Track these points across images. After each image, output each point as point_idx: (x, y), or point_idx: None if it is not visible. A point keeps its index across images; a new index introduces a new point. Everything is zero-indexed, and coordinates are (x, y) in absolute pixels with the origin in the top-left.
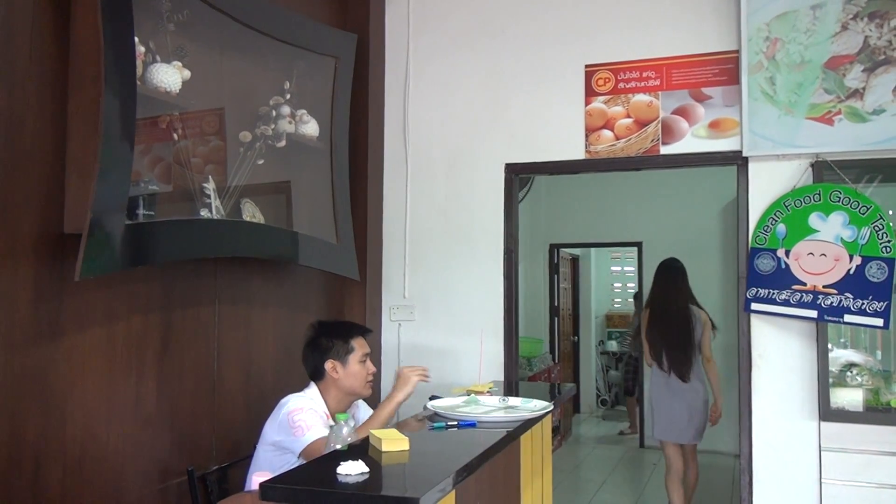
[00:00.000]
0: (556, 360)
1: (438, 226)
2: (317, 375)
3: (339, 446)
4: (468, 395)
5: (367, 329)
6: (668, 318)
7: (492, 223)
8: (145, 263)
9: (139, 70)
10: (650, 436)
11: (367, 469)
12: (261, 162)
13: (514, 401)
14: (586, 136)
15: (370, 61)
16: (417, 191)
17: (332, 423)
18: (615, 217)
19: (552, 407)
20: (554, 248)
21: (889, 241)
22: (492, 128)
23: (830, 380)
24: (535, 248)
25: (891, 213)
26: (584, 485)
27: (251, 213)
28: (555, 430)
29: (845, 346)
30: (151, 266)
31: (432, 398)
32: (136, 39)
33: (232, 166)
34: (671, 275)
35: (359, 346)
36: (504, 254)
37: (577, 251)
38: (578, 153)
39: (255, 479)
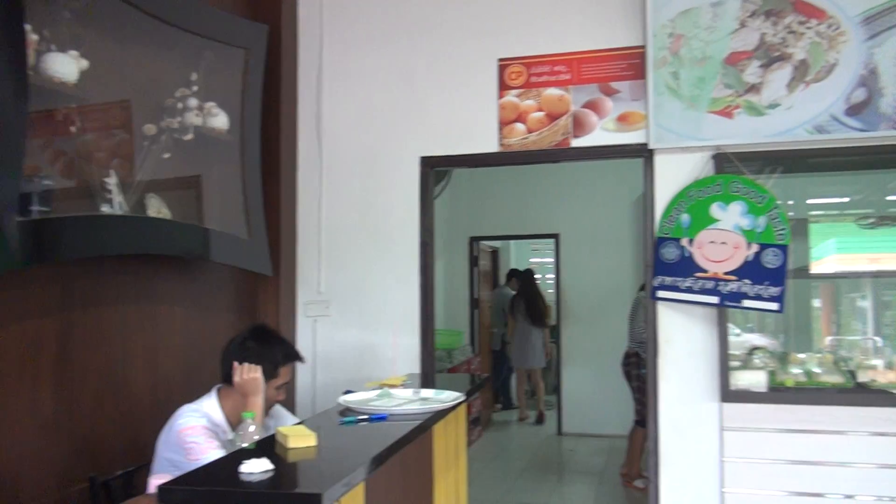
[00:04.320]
0: (476, 352)
1: (354, 220)
2: (228, 380)
3: (245, 445)
4: (381, 388)
5: (300, 357)
6: (531, 299)
7: (408, 217)
8: (40, 262)
9: (32, 59)
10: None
11: (271, 467)
12: (167, 156)
13: (426, 393)
14: (500, 129)
15: (282, 53)
16: (332, 184)
17: (229, 436)
18: (533, 209)
19: (464, 398)
20: (474, 241)
21: (783, 230)
22: (407, 121)
23: (737, 362)
24: (454, 240)
25: (791, 202)
26: (503, 473)
27: (157, 208)
28: (475, 421)
29: (752, 331)
30: (49, 265)
31: (346, 392)
32: (29, 27)
33: (137, 161)
34: (530, 277)
35: (284, 374)
36: (420, 247)
37: (497, 243)
38: (492, 146)
39: (154, 483)
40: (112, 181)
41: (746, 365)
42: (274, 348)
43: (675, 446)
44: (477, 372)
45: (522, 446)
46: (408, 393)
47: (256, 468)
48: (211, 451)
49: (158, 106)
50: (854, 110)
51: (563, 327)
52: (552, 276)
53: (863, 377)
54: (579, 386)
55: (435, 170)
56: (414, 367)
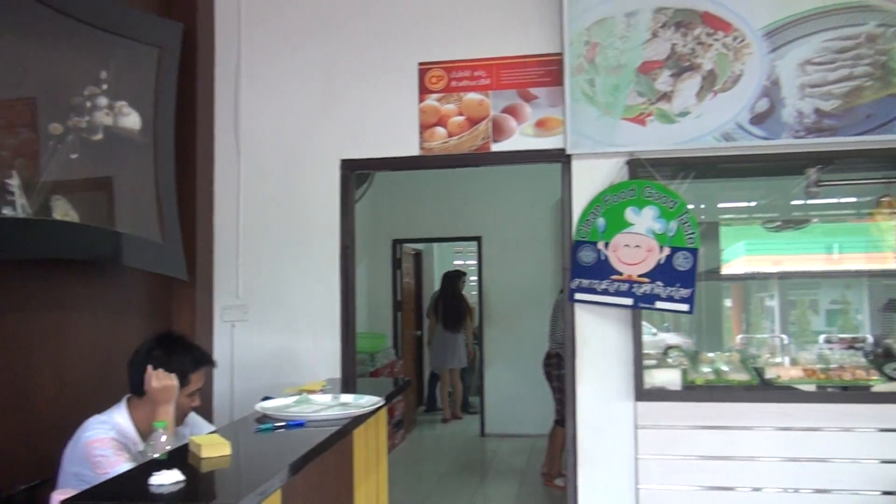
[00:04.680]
0: (399, 355)
1: (273, 223)
2: (137, 391)
3: (157, 455)
4: (300, 394)
5: (212, 362)
6: (451, 300)
7: (328, 220)
8: None
9: None
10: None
11: (182, 478)
12: (74, 156)
13: (346, 398)
14: (420, 132)
15: (198, 53)
16: (251, 187)
17: (140, 447)
18: (456, 212)
19: (383, 402)
20: (397, 243)
21: (693, 233)
22: (327, 124)
23: (654, 361)
24: (377, 243)
25: (703, 206)
26: (425, 476)
27: (63, 211)
28: (398, 424)
29: (668, 330)
30: None
31: (264, 399)
32: None
33: (42, 161)
34: (453, 279)
35: (195, 380)
36: (341, 250)
37: (420, 246)
38: (413, 150)
39: (57, 498)
40: (14, 182)
41: (662, 363)
42: (182, 355)
43: (592, 445)
44: (400, 375)
45: (445, 448)
46: (327, 398)
47: (167, 480)
48: (120, 465)
49: (65, 104)
50: (758, 119)
51: (485, 329)
52: (475, 278)
53: (770, 374)
54: (502, 387)
55: (356, 172)
56: (335, 371)
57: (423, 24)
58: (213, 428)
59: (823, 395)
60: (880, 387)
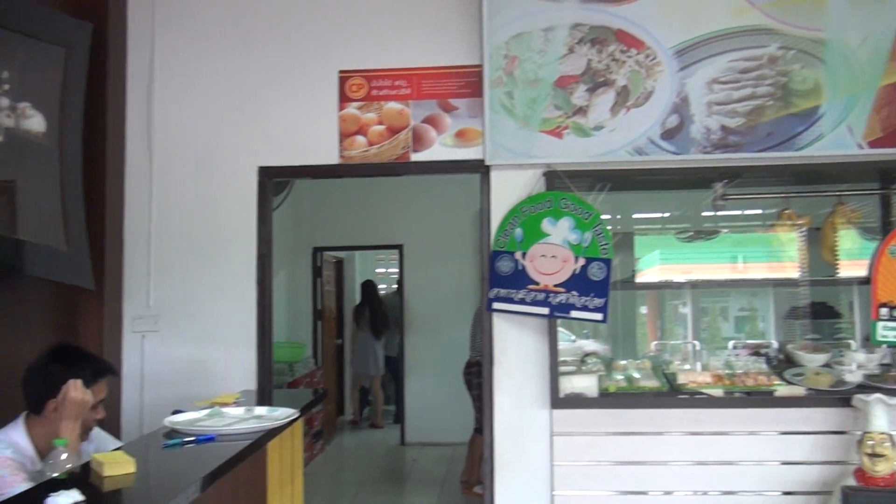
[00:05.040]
0: (319, 364)
1: (188, 230)
2: (35, 409)
3: (56, 475)
4: (212, 407)
5: (114, 370)
6: (377, 306)
7: (245, 227)
8: None
9: None
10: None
11: (81, 498)
12: None
13: (260, 410)
14: (340, 141)
15: (109, 54)
16: (164, 194)
17: (38, 466)
18: (378, 220)
19: (298, 414)
20: (317, 251)
21: (606, 244)
22: (245, 130)
23: (572, 367)
24: (297, 251)
25: (619, 216)
26: (345, 486)
27: None
28: (318, 435)
29: (587, 336)
30: None
31: (175, 413)
32: None
33: None
34: (374, 286)
35: (98, 391)
36: (258, 259)
37: (341, 253)
38: (333, 158)
39: None
40: None
41: (580, 370)
42: (81, 367)
43: (508, 453)
44: (320, 385)
45: (365, 458)
46: (240, 411)
47: (65, 500)
48: (17, 485)
49: None
50: (668, 135)
51: (406, 337)
52: (397, 286)
53: (682, 379)
54: (422, 395)
55: (275, 180)
56: (250, 383)
57: (344, 33)
58: (119, 444)
59: (729, 400)
60: (781, 391)
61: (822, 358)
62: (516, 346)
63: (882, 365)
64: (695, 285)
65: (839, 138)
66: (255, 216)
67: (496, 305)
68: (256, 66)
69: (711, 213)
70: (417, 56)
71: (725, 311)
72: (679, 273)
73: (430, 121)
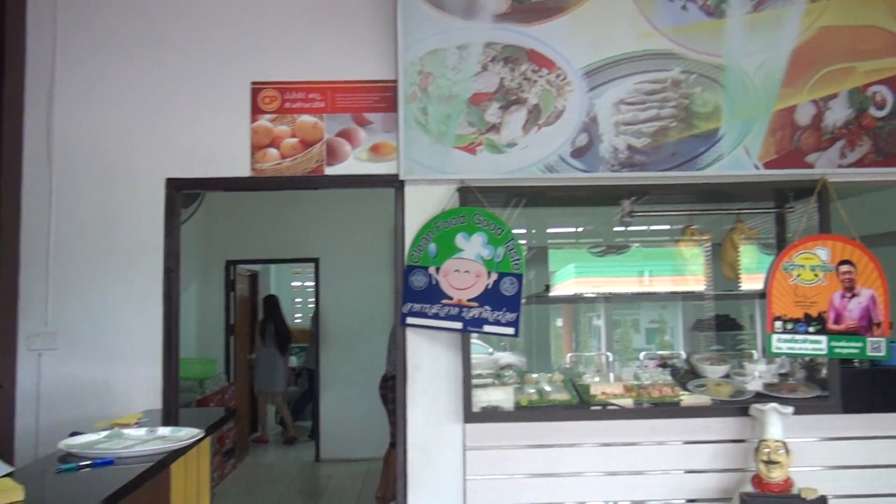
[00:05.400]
0: (232, 380)
1: (90, 244)
2: None
3: None
4: (111, 428)
5: None
6: (280, 322)
7: (151, 241)
8: None
9: None
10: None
11: None
12: None
13: (163, 431)
14: (252, 153)
15: (6, 58)
16: (65, 206)
17: None
18: (294, 233)
19: (203, 434)
20: (231, 264)
21: (518, 259)
22: (152, 141)
23: (489, 380)
24: (209, 264)
25: (534, 231)
26: None
27: None
28: (229, 453)
29: (504, 349)
30: None
31: (72, 435)
32: None
33: None
34: (277, 301)
35: None
36: (164, 273)
37: (256, 267)
38: (244, 171)
39: None
40: None
41: (497, 382)
42: None
43: (421, 468)
44: (232, 401)
45: (279, 476)
46: (141, 432)
47: None
48: None
49: None
50: (578, 153)
51: (322, 352)
52: (312, 300)
53: (593, 391)
54: (338, 411)
55: (184, 192)
56: (155, 402)
57: (257, 44)
58: (9, 469)
59: (636, 411)
60: (687, 401)
61: (722, 369)
62: (430, 361)
63: (780, 374)
64: (606, 299)
65: (737, 159)
66: (163, 229)
67: (410, 320)
68: (166, 75)
69: (622, 228)
70: (332, 70)
71: (637, 323)
72: (593, 286)
73: (344, 135)
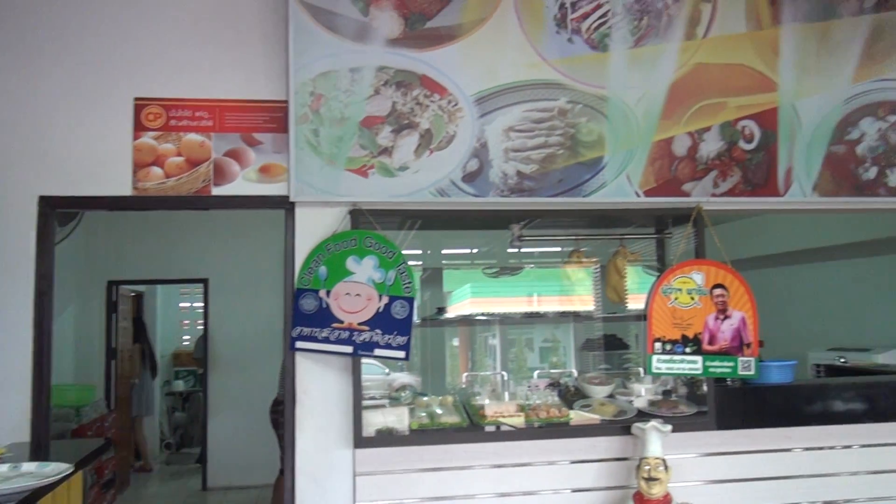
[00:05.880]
0: (113, 407)
1: None
2: None
3: None
4: None
5: None
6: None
7: (21, 263)
8: None
9: None
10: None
11: None
12: None
13: (28, 466)
14: (134, 171)
15: None
16: None
17: None
18: (182, 252)
19: (72, 469)
20: (113, 285)
21: (410, 283)
22: (23, 155)
23: (385, 402)
24: (89, 285)
25: (429, 252)
26: None
27: None
28: (108, 485)
29: (401, 369)
30: None
31: None
32: None
33: None
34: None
35: None
36: (36, 296)
37: (141, 287)
38: (125, 189)
39: None
40: None
41: (393, 403)
42: None
43: (310, 495)
44: (112, 430)
45: None
46: (3, 469)
47: None
48: None
49: None
50: (469, 178)
51: (210, 376)
52: (201, 322)
53: (487, 412)
54: (227, 436)
55: (60, 211)
56: (23, 434)
57: (141, 59)
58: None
59: (526, 432)
60: (575, 420)
61: (606, 389)
62: (320, 385)
63: (664, 391)
64: (501, 320)
65: (620, 187)
66: (34, 250)
67: (299, 344)
68: (41, 86)
69: (516, 250)
70: (221, 88)
71: (531, 342)
72: (489, 306)
73: (233, 154)
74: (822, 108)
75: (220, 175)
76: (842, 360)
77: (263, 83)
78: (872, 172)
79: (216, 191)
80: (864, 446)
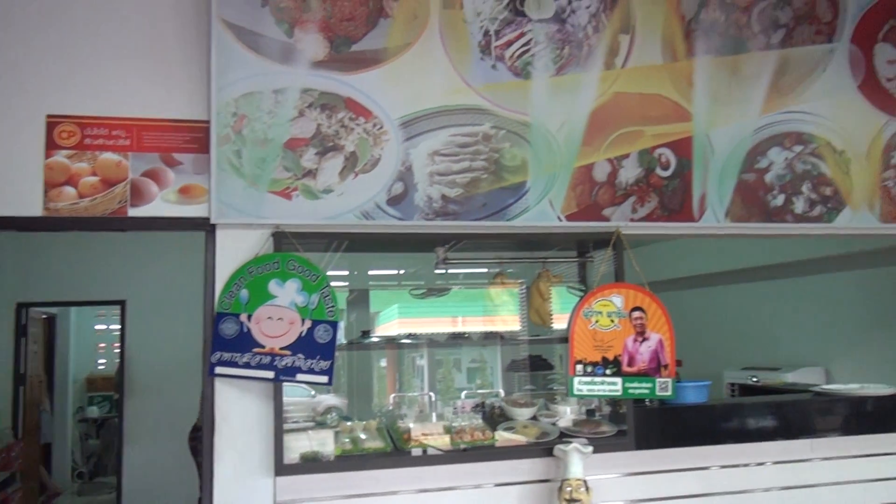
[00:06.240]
0: (20, 436)
1: None
2: None
3: None
4: None
5: None
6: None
7: None
8: None
9: None
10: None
11: None
12: None
13: None
14: (46, 191)
15: None
16: None
17: None
18: (98, 274)
19: None
20: (22, 307)
21: (333, 306)
22: None
23: (311, 424)
24: None
25: (356, 273)
26: None
27: None
28: None
29: (328, 391)
30: None
31: None
32: None
33: None
34: None
35: None
36: None
37: (53, 310)
38: (35, 210)
39: None
40: None
41: (319, 426)
42: None
43: None
44: (19, 460)
45: None
46: None
47: None
48: None
49: None
50: (394, 201)
51: (126, 401)
52: (118, 345)
53: (414, 434)
54: (144, 464)
55: None
56: None
57: (53, 74)
58: None
59: (451, 456)
60: (500, 442)
61: (529, 412)
62: (240, 411)
63: (588, 411)
64: (427, 342)
65: (542, 211)
66: None
67: (219, 370)
68: None
69: (442, 272)
70: (139, 106)
71: (459, 362)
72: (416, 326)
73: (151, 175)
74: (734, 138)
75: (138, 196)
76: (754, 379)
77: (184, 102)
78: (780, 199)
79: (133, 212)
80: (776, 462)
